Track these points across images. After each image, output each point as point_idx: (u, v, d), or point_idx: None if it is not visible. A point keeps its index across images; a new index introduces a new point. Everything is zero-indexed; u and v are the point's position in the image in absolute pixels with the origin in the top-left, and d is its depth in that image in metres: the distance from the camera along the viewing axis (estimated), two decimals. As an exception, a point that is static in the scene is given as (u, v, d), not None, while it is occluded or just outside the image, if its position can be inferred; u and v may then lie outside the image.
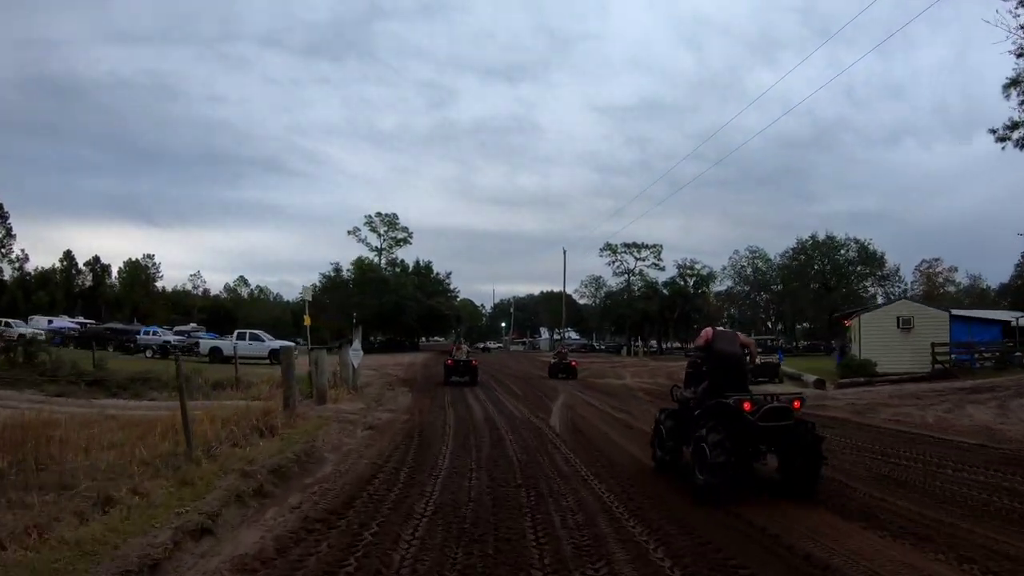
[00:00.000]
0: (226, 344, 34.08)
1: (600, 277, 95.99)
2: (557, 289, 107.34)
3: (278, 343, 33.72)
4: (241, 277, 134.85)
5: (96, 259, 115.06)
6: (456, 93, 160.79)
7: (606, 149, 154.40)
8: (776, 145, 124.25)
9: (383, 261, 73.50)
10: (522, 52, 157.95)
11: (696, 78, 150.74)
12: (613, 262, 75.03)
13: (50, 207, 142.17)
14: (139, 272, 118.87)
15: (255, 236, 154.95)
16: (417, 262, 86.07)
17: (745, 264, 74.80)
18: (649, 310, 66.92)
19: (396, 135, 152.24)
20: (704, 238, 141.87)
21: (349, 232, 73.00)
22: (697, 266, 72.09)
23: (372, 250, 73.21)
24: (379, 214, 73.80)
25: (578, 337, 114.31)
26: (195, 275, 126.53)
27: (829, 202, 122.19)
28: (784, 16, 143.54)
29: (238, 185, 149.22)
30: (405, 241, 74.40)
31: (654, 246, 74.34)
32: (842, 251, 67.16)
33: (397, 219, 74.01)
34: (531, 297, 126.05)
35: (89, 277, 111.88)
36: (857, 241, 67.17)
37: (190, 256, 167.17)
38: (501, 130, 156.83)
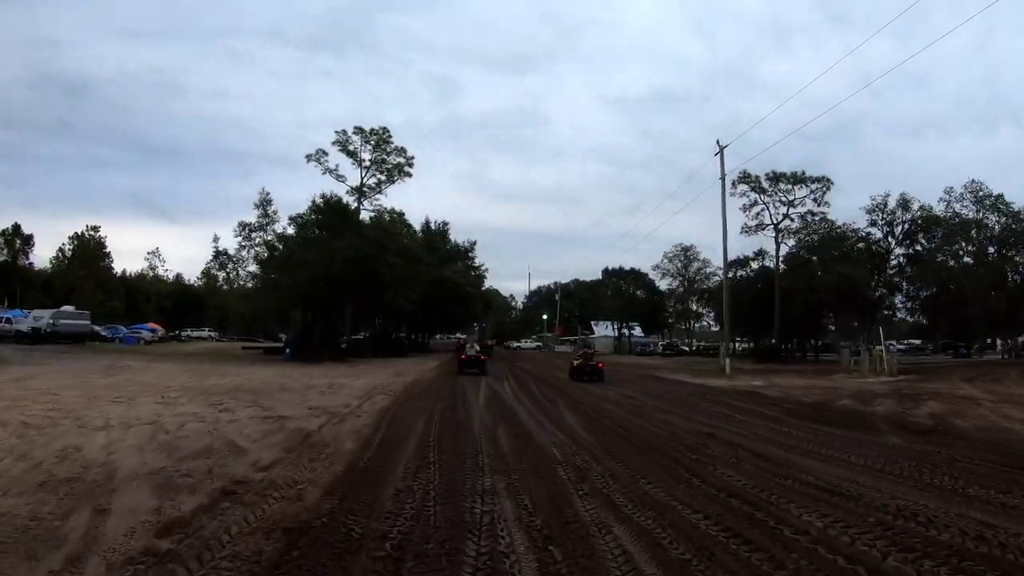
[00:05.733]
0: None
1: (692, 247, 64.09)
2: (626, 265, 75.28)
3: None
4: (217, 256, 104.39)
5: (15, 228, 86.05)
6: (462, 86, 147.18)
7: (620, 142, 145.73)
8: (794, 138, 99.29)
9: (366, 207, 42.19)
10: (528, 42, 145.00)
11: (710, 67, 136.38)
12: (750, 206, 43.03)
13: (64, 203, 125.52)
14: (88, 249, 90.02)
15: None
16: (427, 222, 54.97)
17: (960, 209, 41.59)
18: (857, 278, 34.99)
19: (404, 130, 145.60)
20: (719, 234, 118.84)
21: (309, 157, 41.80)
22: (914, 205, 39.34)
23: (351, 192, 42.03)
24: (359, 129, 42.48)
25: (642, 335, 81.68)
26: (153, 253, 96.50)
27: (850, 196, 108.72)
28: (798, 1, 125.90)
29: (250, 181, 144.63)
30: (402, 171, 42.69)
31: (820, 179, 42.27)
32: None
33: (390, 136, 42.53)
34: (577, 282, 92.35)
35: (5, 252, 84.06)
36: None
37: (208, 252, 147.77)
38: (510, 123, 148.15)
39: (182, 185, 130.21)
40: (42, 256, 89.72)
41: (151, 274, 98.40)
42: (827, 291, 35.15)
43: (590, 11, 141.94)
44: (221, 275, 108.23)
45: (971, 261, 42.91)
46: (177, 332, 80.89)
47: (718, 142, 31.00)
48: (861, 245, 39.30)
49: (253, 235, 33.76)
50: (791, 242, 44.74)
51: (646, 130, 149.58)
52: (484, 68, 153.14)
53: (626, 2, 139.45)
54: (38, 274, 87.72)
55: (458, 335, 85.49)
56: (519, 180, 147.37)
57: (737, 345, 64.98)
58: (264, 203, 33.17)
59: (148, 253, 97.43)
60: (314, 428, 9.88)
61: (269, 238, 33.62)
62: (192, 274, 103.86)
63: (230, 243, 35.20)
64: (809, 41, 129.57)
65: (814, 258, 39.03)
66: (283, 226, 35.33)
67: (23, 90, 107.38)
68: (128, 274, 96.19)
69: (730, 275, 49.43)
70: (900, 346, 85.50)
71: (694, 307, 65.73)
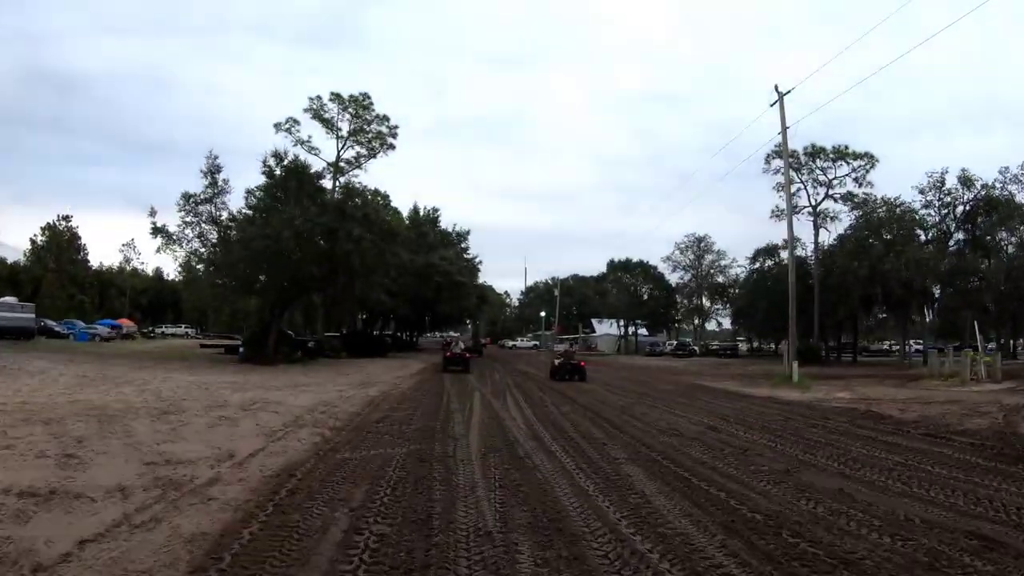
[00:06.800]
0: None
1: (706, 236, 58.37)
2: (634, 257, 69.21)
3: None
4: (196, 250, 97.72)
5: (-27, 217, 79.03)
6: (454, 84, 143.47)
7: (612, 142, 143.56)
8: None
9: (340, 182, 36.13)
10: (521, 40, 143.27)
11: (702, 65, 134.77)
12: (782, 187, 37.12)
13: (56, 198, 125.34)
14: (60, 241, 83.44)
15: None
16: (415, 208, 48.83)
17: (1015, 192, 35.68)
18: (929, 265, 29.19)
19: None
20: (717, 234, 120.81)
21: (278, 127, 36.02)
22: (974, 178, 32.49)
23: (328, 168, 36.07)
24: (336, 95, 36.53)
25: (648, 334, 75.37)
26: (128, 245, 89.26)
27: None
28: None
29: (242, 177, 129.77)
30: (384, 143, 36.85)
31: (864, 155, 36.45)
32: None
33: (371, 103, 36.62)
34: (576, 278, 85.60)
35: (-38, 241, 77.59)
36: None
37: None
38: (503, 122, 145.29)
39: (173, 181, 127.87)
40: (23, 250, 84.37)
41: (127, 267, 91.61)
42: (893, 279, 29.16)
43: (586, 10, 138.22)
44: (200, 267, 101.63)
45: (1014, 251, 37.07)
46: (151, 329, 74.84)
47: (776, 87, 24.77)
48: (920, 231, 33.32)
49: (200, 208, 27.45)
50: (832, 227, 39.10)
51: (638, 129, 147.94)
52: (476, 66, 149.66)
53: (620, 1, 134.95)
54: (7, 267, 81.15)
55: (450, 333, 79.33)
56: (512, 178, 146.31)
57: (752, 345, 59.13)
58: (212, 171, 26.88)
59: (123, 245, 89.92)
60: (50, 559, 3.80)
61: (216, 213, 27.34)
62: (174, 268, 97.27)
63: (174, 220, 28.72)
64: (804, 40, 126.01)
65: (872, 241, 32.82)
66: (246, 201, 29.18)
67: (12, 85, 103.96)
68: (105, 268, 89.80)
69: (755, 265, 43.65)
70: (918, 346, 79.76)
71: (706, 303, 59.83)
